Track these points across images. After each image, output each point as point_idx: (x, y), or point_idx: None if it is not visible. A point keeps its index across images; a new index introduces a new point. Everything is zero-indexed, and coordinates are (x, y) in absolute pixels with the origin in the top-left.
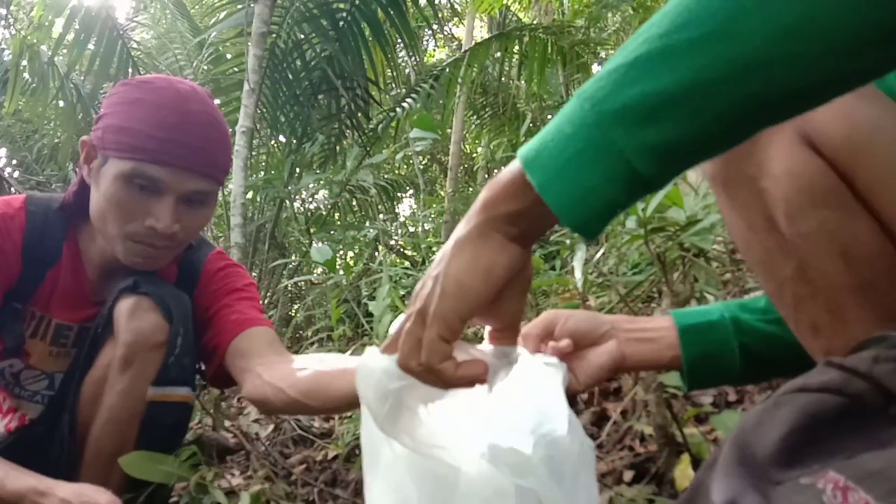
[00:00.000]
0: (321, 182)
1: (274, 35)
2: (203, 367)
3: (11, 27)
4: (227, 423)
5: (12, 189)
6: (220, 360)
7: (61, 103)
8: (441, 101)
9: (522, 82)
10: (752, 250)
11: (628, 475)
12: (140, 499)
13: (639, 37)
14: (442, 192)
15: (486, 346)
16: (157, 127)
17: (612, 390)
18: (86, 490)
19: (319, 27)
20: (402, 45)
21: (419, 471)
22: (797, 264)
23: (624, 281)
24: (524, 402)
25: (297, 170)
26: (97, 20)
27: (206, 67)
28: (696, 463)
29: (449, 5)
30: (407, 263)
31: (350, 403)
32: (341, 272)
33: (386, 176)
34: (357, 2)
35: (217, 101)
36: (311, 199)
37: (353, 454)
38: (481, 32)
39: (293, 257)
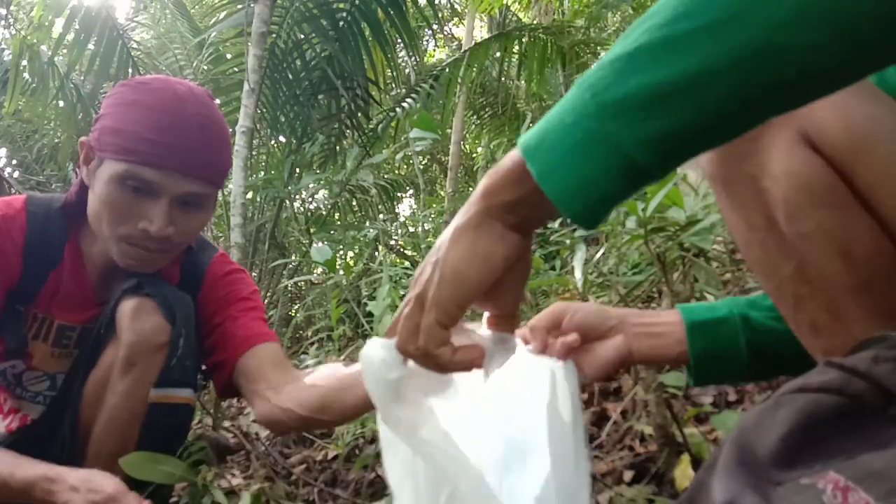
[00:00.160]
0: (321, 182)
1: (274, 35)
2: (204, 376)
3: (11, 27)
4: (226, 423)
5: (12, 189)
6: (228, 377)
7: (61, 103)
8: (441, 101)
9: (522, 82)
10: (752, 250)
11: (628, 475)
12: None
13: (640, 26)
14: (442, 192)
15: (484, 332)
16: (152, 129)
17: (612, 390)
18: (94, 476)
19: (319, 27)
20: (402, 45)
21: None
22: (797, 264)
23: (624, 281)
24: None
25: (297, 170)
26: (97, 20)
27: (206, 67)
28: (696, 463)
29: (449, 5)
30: (407, 263)
31: (361, 410)
32: (341, 272)
33: (386, 176)
34: (357, 2)
35: (217, 101)
36: (311, 199)
37: (353, 454)
38: (481, 32)
39: (293, 257)
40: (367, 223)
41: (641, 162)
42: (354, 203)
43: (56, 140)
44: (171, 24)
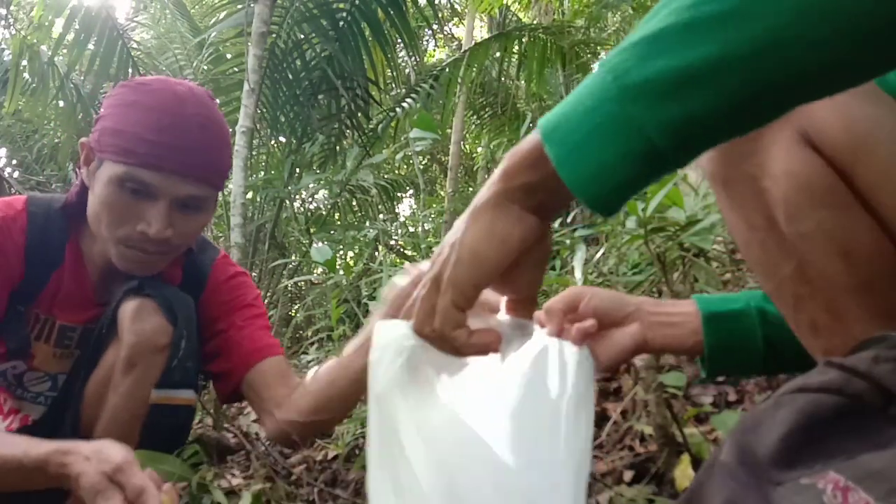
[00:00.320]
0: (321, 182)
1: (274, 35)
2: (205, 377)
3: (11, 27)
4: (226, 424)
5: (12, 189)
6: (234, 387)
7: (61, 103)
8: (441, 101)
9: (522, 82)
10: (752, 250)
11: (628, 475)
12: None
13: (663, 8)
14: (442, 192)
15: (502, 317)
16: (151, 130)
17: (612, 390)
18: (104, 446)
19: (319, 27)
20: (402, 45)
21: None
22: (797, 264)
23: (624, 281)
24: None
25: (297, 170)
26: (97, 20)
27: (206, 67)
28: (696, 463)
29: (449, 5)
30: (407, 263)
31: (354, 397)
32: (341, 272)
33: (386, 176)
34: (357, 2)
35: (217, 101)
36: (311, 199)
37: (353, 454)
38: (481, 32)
39: (293, 257)
40: (367, 223)
41: (662, 147)
42: (354, 203)
43: (56, 140)
44: (171, 24)
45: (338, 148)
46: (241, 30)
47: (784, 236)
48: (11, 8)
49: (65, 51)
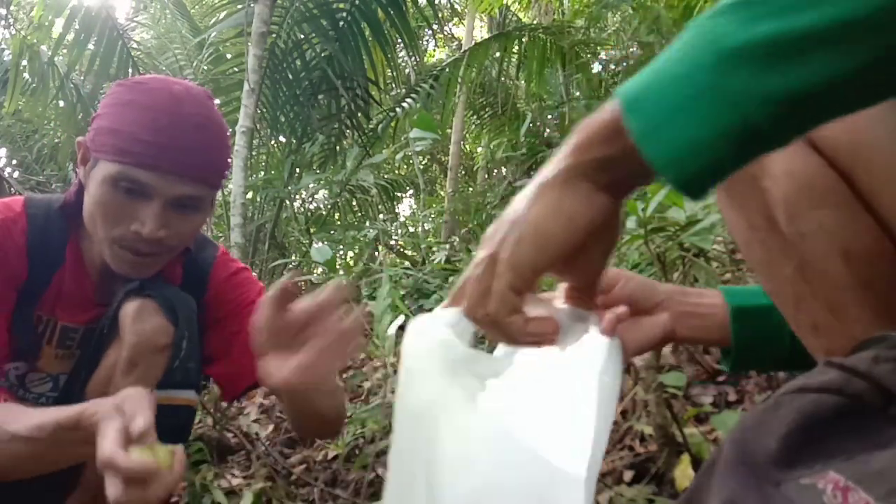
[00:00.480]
0: (321, 182)
1: (274, 35)
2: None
3: (11, 27)
4: (227, 424)
5: (12, 189)
6: (245, 388)
7: (61, 103)
8: (441, 101)
9: (522, 82)
10: (753, 250)
11: (628, 475)
12: None
13: None
14: (442, 192)
15: (559, 304)
16: (146, 130)
17: None
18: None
19: (319, 27)
20: (402, 45)
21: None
22: (797, 264)
23: None
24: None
25: (297, 170)
26: (97, 20)
27: (206, 67)
28: (696, 463)
29: (449, 5)
30: (407, 263)
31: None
32: (341, 272)
33: (386, 176)
34: (357, 2)
35: (217, 101)
36: (311, 199)
37: (353, 454)
38: (481, 32)
39: (293, 257)
40: (367, 223)
41: (763, 123)
42: (354, 203)
43: (56, 140)
44: (171, 24)
45: (338, 148)
46: (241, 30)
47: (784, 236)
48: (11, 8)
49: (65, 51)
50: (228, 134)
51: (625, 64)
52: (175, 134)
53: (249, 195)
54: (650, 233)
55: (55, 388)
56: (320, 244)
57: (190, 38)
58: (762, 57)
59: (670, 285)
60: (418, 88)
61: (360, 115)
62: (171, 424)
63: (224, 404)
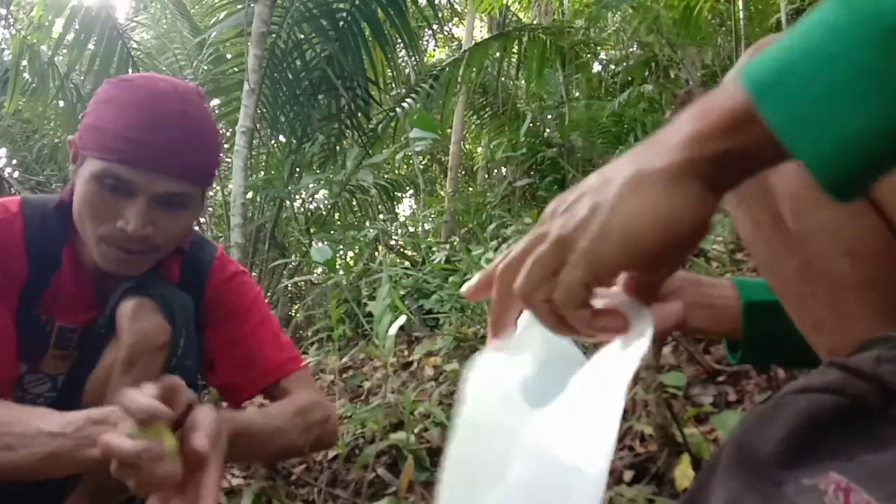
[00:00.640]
0: (321, 182)
1: (274, 35)
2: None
3: (11, 27)
4: None
5: (12, 189)
6: (246, 399)
7: (61, 103)
8: (441, 101)
9: (522, 82)
10: (758, 247)
11: (628, 475)
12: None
13: None
14: (442, 192)
15: (616, 293)
16: (129, 127)
17: None
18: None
19: (319, 27)
20: (402, 45)
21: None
22: (802, 262)
23: None
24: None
25: (297, 170)
26: (97, 20)
27: (206, 67)
28: (696, 463)
29: (449, 5)
30: (407, 263)
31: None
32: (341, 272)
33: (386, 176)
34: (357, 2)
35: (217, 101)
36: (311, 199)
37: (353, 454)
38: (481, 32)
39: (293, 257)
40: (367, 223)
41: None
42: (354, 203)
43: (56, 140)
44: (171, 24)
45: (338, 148)
46: (241, 30)
47: (789, 234)
48: (11, 8)
49: (65, 51)
50: (218, 132)
51: (625, 64)
52: (156, 131)
53: (249, 195)
54: None
55: (53, 388)
56: (320, 244)
57: (190, 38)
58: None
59: (685, 273)
60: (418, 88)
61: (360, 115)
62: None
63: (225, 404)
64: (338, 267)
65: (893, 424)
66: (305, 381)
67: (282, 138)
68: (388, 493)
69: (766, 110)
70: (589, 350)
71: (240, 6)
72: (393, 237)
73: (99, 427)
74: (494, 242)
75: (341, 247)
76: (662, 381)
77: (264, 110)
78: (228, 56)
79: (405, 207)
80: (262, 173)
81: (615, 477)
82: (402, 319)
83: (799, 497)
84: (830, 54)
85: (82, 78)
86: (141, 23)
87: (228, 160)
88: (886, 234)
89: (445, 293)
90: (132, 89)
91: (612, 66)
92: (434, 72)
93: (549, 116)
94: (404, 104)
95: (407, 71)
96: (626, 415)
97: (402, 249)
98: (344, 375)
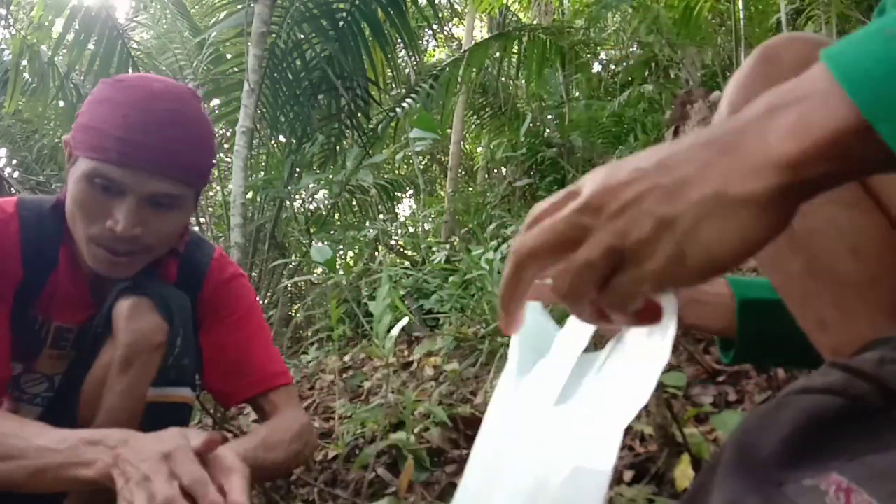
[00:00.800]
0: (321, 182)
1: (274, 35)
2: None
3: (11, 27)
4: (226, 423)
5: (12, 189)
6: (235, 404)
7: (61, 103)
8: (441, 101)
9: (522, 82)
10: None
11: (628, 475)
12: None
13: None
14: (442, 192)
15: None
16: (118, 126)
17: None
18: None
19: (319, 27)
20: (402, 45)
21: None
22: (806, 260)
23: None
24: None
25: (297, 170)
26: (97, 20)
27: (206, 67)
28: (696, 463)
29: (449, 5)
30: (407, 263)
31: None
32: (341, 272)
33: (386, 176)
34: (357, 2)
35: (217, 101)
36: (311, 199)
37: (353, 454)
38: (481, 32)
39: (293, 257)
40: (367, 223)
41: None
42: (354, 203)
43: (56, 140)
44: (171, 24)
45: (338, 148)
46: (241, 30)
47: (794, 231)
48: (11, 8)
49: (65, 51)
50: (213, 132)
51: (625, 64)
52: (146, 130)
53: (249, 195)
54: None
55: (50, 388)
56: (320, 244)
57: (190, 38)
58: None
59: None
60: (418, 88)
61: (360, 115)
62: (167, 423)
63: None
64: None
65: (895, 425)
66: (293, 397)
67: (282, 138)
68: (388, 493)
69: (885, 129)
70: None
71: (240, 6)
72: (393, 237)
73: (94, 448)
74: (494, 242)
75: (341, 247)
76: (662, 381)
77: (264, 110)
78: (228, 56)
79: (405, 207)
80: (262, 173)
81: (615, 477)
82: (403, 321)
83: (800, 497)
84: None
85: (82, 78)
86: (141, 23)
87: (228, 160)
88: (891, 233)
89: (445, 293)
90: (124, 89)
91: (612, 66)
92: (434, 72)
93: (549, 116)
94: (404, 104)
95: (407, 71)
96: None
97: (402, 249)
98: (344, 375)
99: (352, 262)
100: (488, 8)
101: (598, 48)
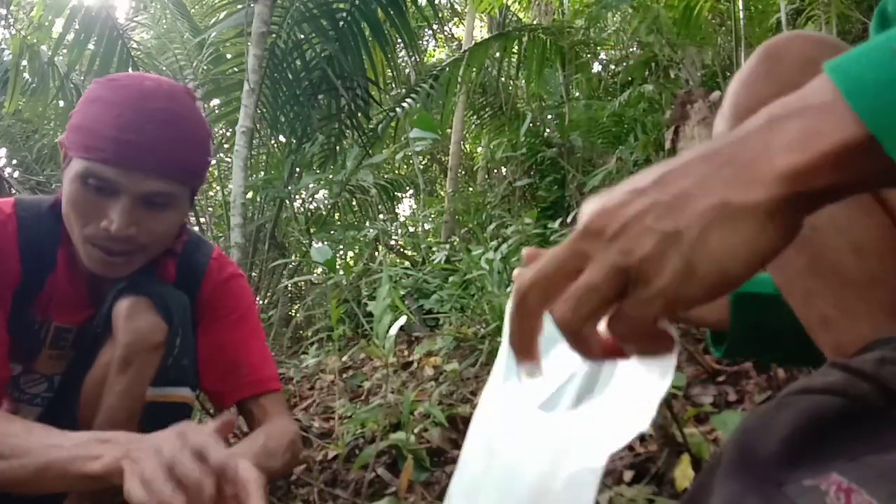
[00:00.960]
0: (321, 182)
1: (274, 35)
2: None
3: (11, 27)
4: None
5: (13, 189)
6: (226, 406)
7: (61, 103)
8: (441, 101)
9: (522, 82)
10: None
11: (628, 475)
12: None
13: None
14: (442, 192)
15: None
16: (110, 126)
17: None
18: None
19: (319, 27)
20: (402, 45)
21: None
22: (809, 258)
23: None
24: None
25: (297, 170)
26: (97, 20)
27: (206, 67)
28: (696, 463)
29: (449, 5)
30: (407, 263)
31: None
32: (341, 272)
33: (386, 176)
34: (357, 2)
35: (217, 101)
36: (311, 199)
37: (353, 454)
38: (481, 32)
39: (293, 257)
40: (367, 223)
41: None
42: (354, 203)
43: (56, 140)
44: (171, 24)
45: (338, 148)
46: (241, 30)
47: None
48: (11, 8)
49: (65, 51)
50: (209, 131)
51: (625, 64)
52: (139, 129)
53: (249, 195)
54: None
55: (50, 388)
56: (320, 244)
57: (190, 38)
58: None
59: None
60: (418, 88)
61: (360, 115)
62: (167, 422)
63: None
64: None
65: (895, 426)
66: (283, 404)
67: (282, 138)
68: (388, 493)
69: (890, 142)
70: None
71: (240, 6)
72: (393, 237)
73: (103, 445)
74: (494, 242)
75: (341, 247)
76: None
77: (264, 110)
78: (228, 56)
79: (405, 207)
80: (262, 173)
81: (615, 477)
82: (402, 320)
83: (800, 498)
84: None
85: (82, 78)
86: (141, 23)
87: (228, 160)
88: (894, 233)
89: (445, 293)
90: (117, 88)
91: (612, 66)
92: (434, 72)
93: (549, 116)
94: (404, 104)
95: (407, 71)
96: None
97: (402, 249)
98: (344, 375)
99: (352, 262)
100: (488, 8)
101: (598, 48)
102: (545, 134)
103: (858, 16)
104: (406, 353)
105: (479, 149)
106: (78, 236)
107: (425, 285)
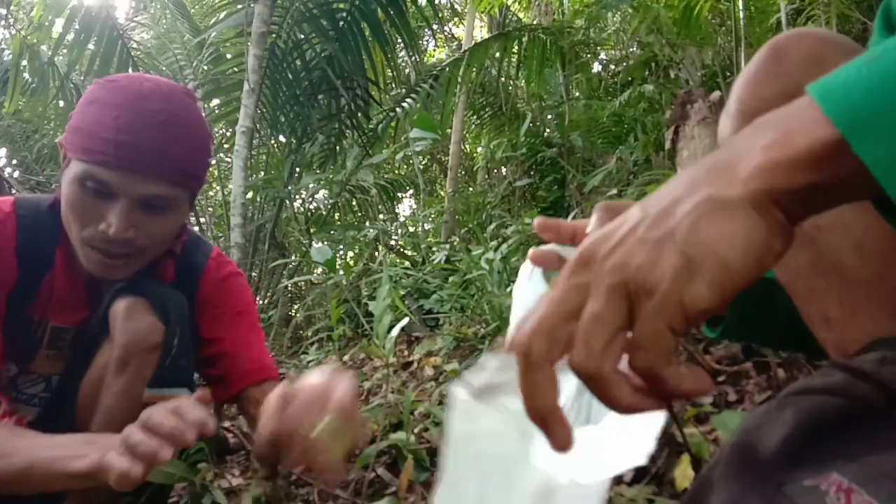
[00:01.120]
0: (321, 182)
1: (274, 35)
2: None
3: (11, 27)
4: (226, 423)
5: (13, 189)
6: (230, 396)
7: (61, 103)
8: (441, 101)
9: (522, 82)
10: None
11: (628, 475)
12: (141, 500)
13: None
14: (442, 192)
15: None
16: (108, 128)
17: None
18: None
19: (319, 27)
20: (402, 45)
21: None
22: (812, 256)
23: None
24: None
25: (297, 170)
26: (97, 20)
27: (206, 67)
28: (696, 463)
29: (449, 5)
30: (407, 263)
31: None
32: (341, 272)
33: (386, 176)
34: (357, 2)
35: (217, 101)
36: (311, 199)
37: (352, 454)
38: (481, 32)
39: (293, 257)
40: (367, 223)
41: None
42: (354, 203)
43: (56, 140)
44: (171, 24)
45: (338, 148)
46: (241, 30)
47: (801, 228)
48: (11, 8)
49: (65, 51)
50: (209, 132)
51: (625, 64)
52: (137, 132)
53: (249, 195)
54: None
55: (48, 388)
56: (320, 244)
57: (190, 38)
58: None
59: None
60: (418, 88)
61: (360, 115)
62: None
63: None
64: (338, 267)
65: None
66: None
67: (282, 138)
68: (388, 493)
69: (865, 148)
70: None
71: (240, 6)
72: (393, 237)
73: (87, 445)
74: (494, 242)
75: (341, 247)
76: None
77: (264, 110)
78: (228, 56)
79: (405, 207)
80: (262, 173)
81: (615, 477)
82: (403, 321)
83: (800, 498)
84: None
85: (82, 78)
86: (141, 23)
87: (228, 160)
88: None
89: (445, 293)
90: (115, 90)
91: (612, 66)
92: (434, 72)
93: (549, 116)
94: (404, 104)
95: (407, 71)
96: None
97: (402, 249)
98: None
99: (352, 262)
100: (488, 8)
101: (598, 48)
102: (545, 134)
103: (858, 16)
104: (406, 353)
105: (479, 149)
106: (77, 238)
107: (425, 285)
